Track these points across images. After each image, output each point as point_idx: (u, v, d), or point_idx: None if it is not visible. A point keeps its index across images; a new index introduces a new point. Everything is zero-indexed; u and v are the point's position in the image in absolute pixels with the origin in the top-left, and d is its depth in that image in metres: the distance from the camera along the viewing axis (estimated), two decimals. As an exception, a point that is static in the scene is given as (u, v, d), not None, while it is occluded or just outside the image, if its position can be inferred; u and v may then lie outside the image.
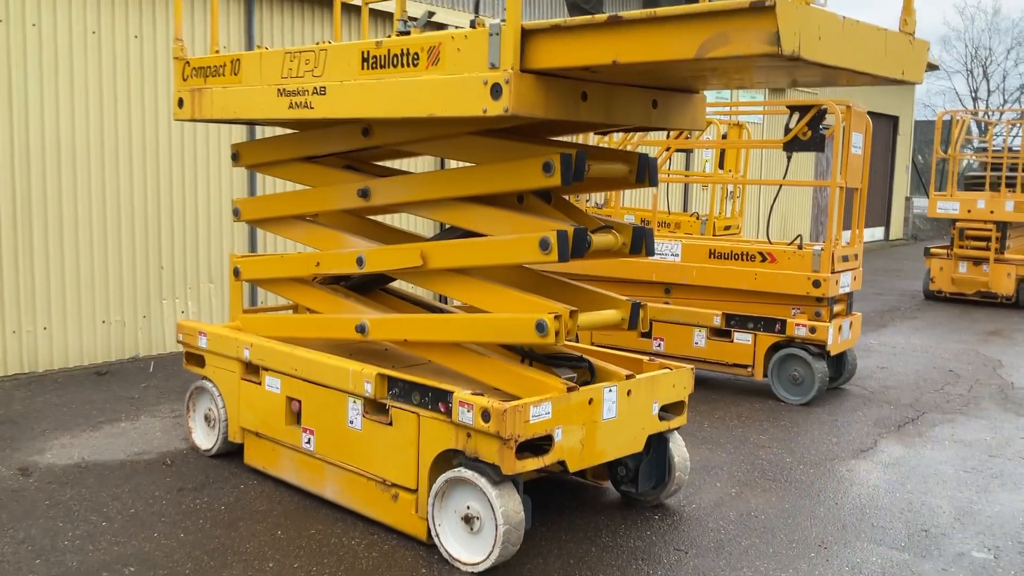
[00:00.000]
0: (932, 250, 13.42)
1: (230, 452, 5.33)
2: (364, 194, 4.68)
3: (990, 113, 31.06)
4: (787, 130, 7.35)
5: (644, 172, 4.28)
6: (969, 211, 12.80)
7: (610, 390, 4.27)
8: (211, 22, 5.14)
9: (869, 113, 7.74)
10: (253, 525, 4.41)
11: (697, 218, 10.94)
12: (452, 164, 4.61)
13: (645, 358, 4.85)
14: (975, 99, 46.67)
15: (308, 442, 4.71)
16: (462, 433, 3.96)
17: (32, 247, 7.21)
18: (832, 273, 7.13)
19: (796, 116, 7.31)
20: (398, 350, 5.17)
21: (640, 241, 4.24)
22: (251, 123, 5.56)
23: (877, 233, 23.30)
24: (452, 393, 3.98)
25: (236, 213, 5.50)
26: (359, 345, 5.35)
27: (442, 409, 4.04)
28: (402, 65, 3.88)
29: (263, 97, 4.58)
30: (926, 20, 70.59)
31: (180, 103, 5.13)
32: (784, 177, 7.65)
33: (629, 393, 4.37)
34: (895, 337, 10.45)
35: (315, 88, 4.27)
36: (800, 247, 7.30)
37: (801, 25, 2.88)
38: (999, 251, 12.72)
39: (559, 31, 3.40)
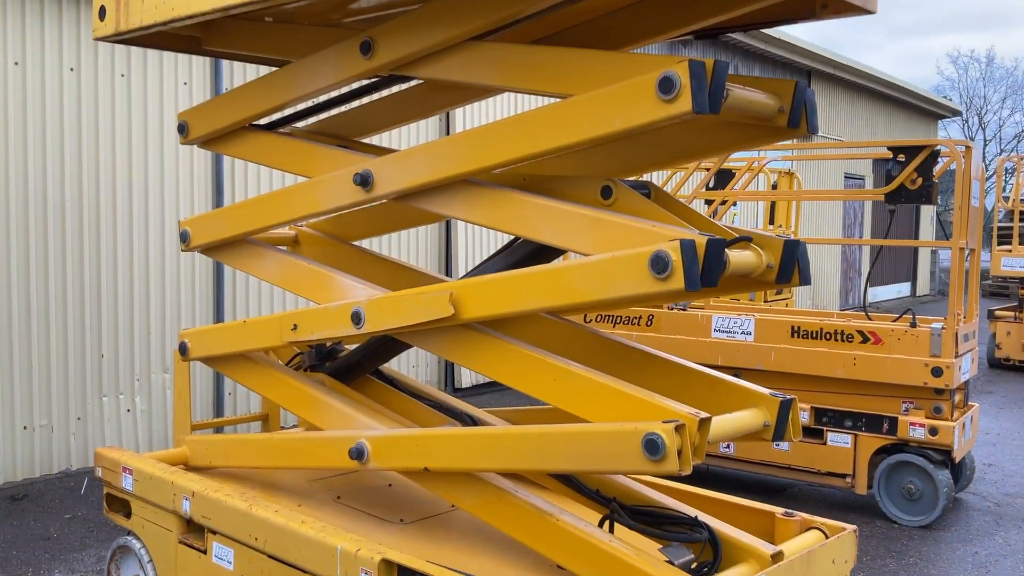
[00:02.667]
0: (997, 313, 11.93)
1: (165, 643, 3.68)
2: (364, 181, 3.09)
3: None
4: (889, 178, 5.88)
5: (800, 112, 2.66)
6: (1039, 268, 11.34)
7: (754, 585, 2.68)
8: None
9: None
10: None
11: (744, 281, 9.40)
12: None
13: (778, 511, 3.27)
14: (972, 148, 45.84)
15: (275, 652, 3.09)
16: None
17: (-70, 334, 5.62)
18: (956, 357, 5.59)
19: (899, 161, 5.84)
20: (406, 481, 3.56)
21: (791, 263, 2.62)
22: (196, 44, 3.80)
23: (904, 289, 21.86)
24: (505, 608, 2.40)
25: (184, 238, 3.91)
26: (351, 471, 3.78)
27: (488, 632, 2.45)
28: None
29: None
30: (920, 70, 70.37)
31: (102, 13, 3.52)
32: (885, 235, 6.14)
33: (779, 585, 2.78)
34: (981, 419, 8.88)
35: None
36: (913, 324, 5.76)
37: None
38: (1076, 313, 11.24)
39: None
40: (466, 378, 9.12)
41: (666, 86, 2.29)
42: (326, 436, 3.34)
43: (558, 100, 2.63)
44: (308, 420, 3.56)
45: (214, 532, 3.37)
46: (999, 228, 13.10)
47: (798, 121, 2.66)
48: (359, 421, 3.28)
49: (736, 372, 6.30)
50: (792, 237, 2.71)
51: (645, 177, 3.32)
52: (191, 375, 4.03)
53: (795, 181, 9.44)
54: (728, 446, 6.30)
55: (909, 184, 5.73)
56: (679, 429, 2.33)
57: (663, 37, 3.07)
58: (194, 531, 3.52)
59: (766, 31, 14.06)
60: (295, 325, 3.34)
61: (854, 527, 3.16)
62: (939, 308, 20.41)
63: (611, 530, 2.95)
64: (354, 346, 3.81)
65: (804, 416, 5.95)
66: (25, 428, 6.01)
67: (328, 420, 3.40)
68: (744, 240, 2.63)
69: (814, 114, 2.71)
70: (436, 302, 2.84)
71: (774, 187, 9.27)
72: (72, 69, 6.18)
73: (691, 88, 2.26)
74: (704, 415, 2.39)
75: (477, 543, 3.13)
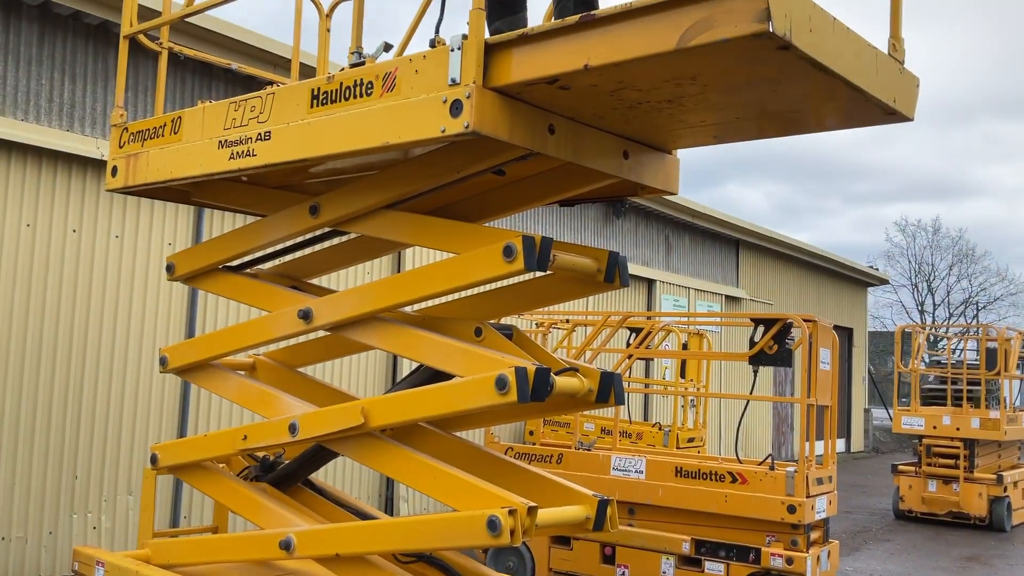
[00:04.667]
0: (900, 467, 13.00)
1: None
2: (305, 316, 4.13)
3: (943, 328, 31.78)
4: (752, 343, 7.08)
5: (614, 271, 3.81)
6: (935, 427, 12.50)
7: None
8: (157, 87, 4.78)
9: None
10: None
11: (660, 428, 10.48)
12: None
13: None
14: (921, 312, 47.77)
15: None
16: None
17: (-71, 453, 6.49)
18: (808, 497, 6.62)
19: (761, 330, 7.06)
20: (330, 582, 4.48)
21: (608, 388, 3.70)
22: (186, 196, 4.92)
23: (838, 445, 22.92)
24: None
25: (163, 362, 4.92)
26: (287, 572, 4.68)
27: None
28: (355, 97, 3.51)
29: (202, 152, 4.14)
30: (870, 237, 74.09)
31: (114, 172, 4.68)
32: (751, 391, 7.30)
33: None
34: (870, 563, 9.81)
35: (259, 135, 3.86)
36: (772, 467, 6.83)
37: (791, 8, 2.63)
38: (968, 470, 12.32)
39: (526, 40, 3.10)
40: (402, 509, 9.95)
41: (507, 252, 3.42)
42: (262, 533, 4.28)
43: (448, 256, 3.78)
44: (250, 520, 4.50)
45: (167, 611, 4.25)
46: (927, 390, 14.21)
47: (612, 278, 3.84)
48: (289, 520, 4.23)
49: (631, 507, 7.31)
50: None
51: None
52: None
53: (704, 341, 10.67)
54: (623, 573, 7.19)
55: (767, 350, 6.92)
56: (512, 513, 3.30)
57: (526, 208, 4.34)
58: (151, 612, 4.39)
59: (699, 209, 15.76)
60: (245, 436, 4.33)
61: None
62: (870, 464, 21.42)
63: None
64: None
65: (686, 547, 6.90)
66: (2, 539, 6.81)
67: (266, 520, 4.35)
68: (571, 370, 3.72)
69: (625, 273, 3.89)
70: (351, 413, 3.86)
71: (684, 347, 10.48)
72: (75, 231, 7.33)
73: (524, 254, 3.38)
74: (532, 504, 3.40)
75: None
